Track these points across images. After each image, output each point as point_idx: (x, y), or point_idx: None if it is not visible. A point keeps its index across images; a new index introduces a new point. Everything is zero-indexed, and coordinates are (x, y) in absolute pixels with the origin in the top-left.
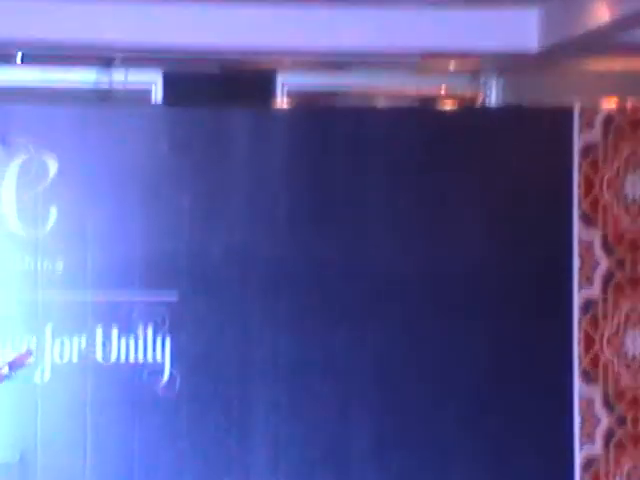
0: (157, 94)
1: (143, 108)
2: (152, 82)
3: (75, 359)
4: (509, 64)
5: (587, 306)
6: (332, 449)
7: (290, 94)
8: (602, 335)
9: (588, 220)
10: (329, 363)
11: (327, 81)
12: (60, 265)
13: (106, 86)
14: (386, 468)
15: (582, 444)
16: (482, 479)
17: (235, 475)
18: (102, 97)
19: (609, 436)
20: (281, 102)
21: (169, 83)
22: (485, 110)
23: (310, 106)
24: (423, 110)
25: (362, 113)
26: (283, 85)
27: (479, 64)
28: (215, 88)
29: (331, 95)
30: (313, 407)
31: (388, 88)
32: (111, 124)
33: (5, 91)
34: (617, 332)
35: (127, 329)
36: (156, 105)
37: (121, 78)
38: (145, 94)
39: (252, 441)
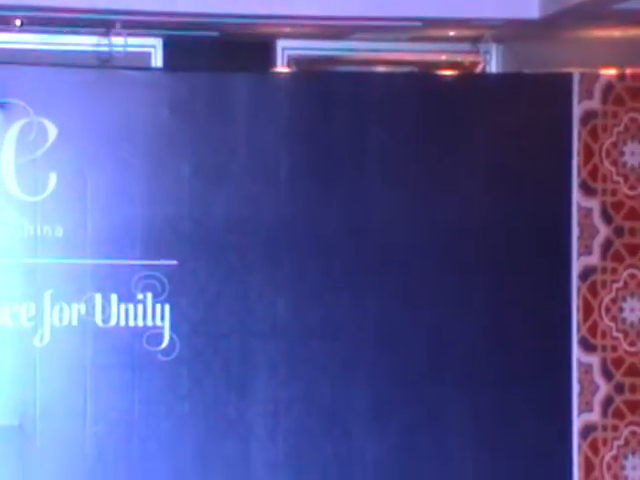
0: (157, 59)
1: (143, 73)
2: (152, 46)
3: (75, 322)
4: (509, 32)
5: (586, 274)
6: (332, 413)
7: (290, 60)
8: (601, 303)
9: (587, 188)
10: (329, 327)
11: (327, 47)
12: (60, 230)
13: (106, 50)
14: (385, 431)
15: (580, 411)
16: (480, 444)
17: (234, 439)
18: (102, 61)
19: (607, 403)
20: (281, 68)
21: (169, 48)
22: (485, 76)
23: (310, 71)
24: (423, 75)
25: (362, 77)
26: (283, 51)
27: (479, 32)
28: (215, 53)
29: (331, 62)
30: (313, 371)
31: (388, 55)
32: (111, 88)
33: (4, 56)
34: (615, 299)
35: (127, 294)
36: (156, 70)
37: (121, 42)
38: (145, 58)
39: (251, 406)
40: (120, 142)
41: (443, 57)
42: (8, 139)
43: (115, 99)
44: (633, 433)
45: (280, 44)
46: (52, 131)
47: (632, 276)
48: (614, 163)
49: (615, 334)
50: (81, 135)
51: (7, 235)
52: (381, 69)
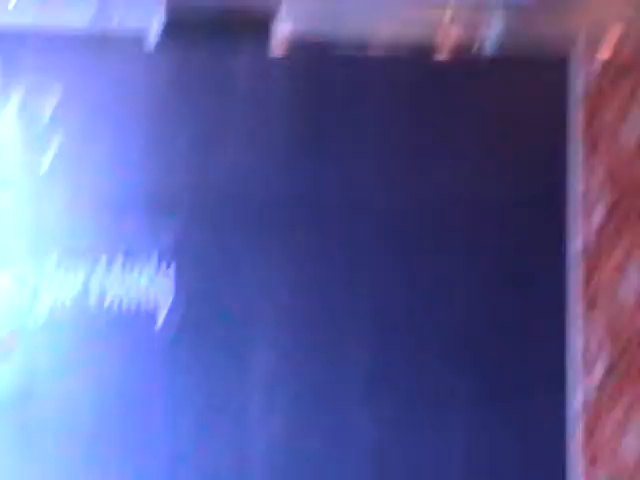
0: (154, 35)
1: (140, 48)
2: (149, 22)
3: (70, 301)
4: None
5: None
6: (328, 388)
7: (287, 40)
8: (602, 270)
9: (587, 159)
10: (326, 302)
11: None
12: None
13: (103, 26)
14: (380, 407)
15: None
16: (475, 419)
17: (232, 412)
18: (99, 37)
19: (609, 370)
20: (279, 47)
21: (167, 24)
22: (479, 55)
23: (308, 50)
24: (419, 52)
25: (359, 58)
26: (280, 31)
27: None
28: (213, 31)
29: (328, 42)
30: (310, 346)
31: (384, 37)
32: (109, 63)
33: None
34: (619, 267)
35: (125, 265)
36: (154, 45)
37: (118, 18)
38: (143, 34)
39: (249, 379)
40: (118, 113)
41: (438, 38)
42: (8, 112)
43: (113, 74)
44: (636, 400)
45: (277, 24)
46: (53, 99)
47: (634, 244)
48: (614, 136)
49: (618, 300)
50: (80, 105)
51: (13, 194)
52: (377, 50)
